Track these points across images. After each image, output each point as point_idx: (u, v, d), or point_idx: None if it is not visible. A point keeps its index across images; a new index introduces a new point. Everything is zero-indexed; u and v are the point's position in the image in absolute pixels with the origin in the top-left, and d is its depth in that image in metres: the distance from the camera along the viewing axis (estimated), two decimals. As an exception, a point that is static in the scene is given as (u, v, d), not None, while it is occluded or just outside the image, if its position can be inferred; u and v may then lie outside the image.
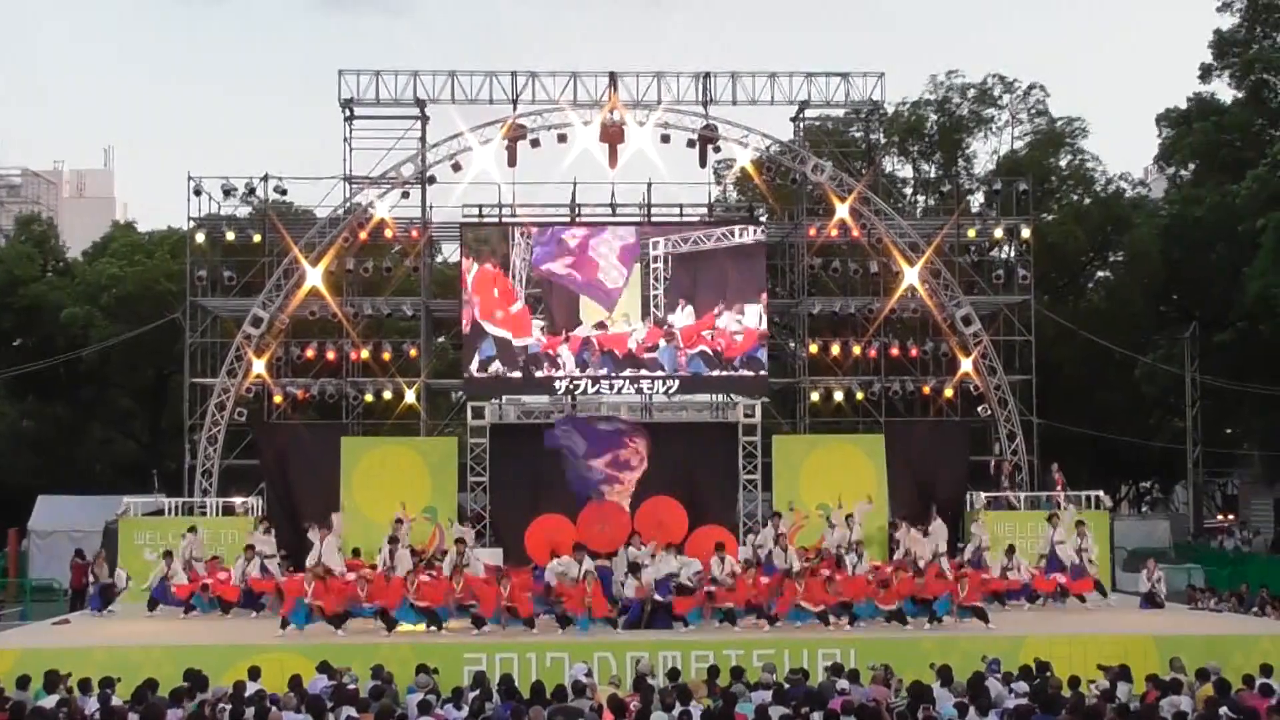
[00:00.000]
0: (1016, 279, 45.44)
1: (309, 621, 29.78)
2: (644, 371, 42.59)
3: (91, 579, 35.18)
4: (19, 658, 26.17)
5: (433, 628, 29.94)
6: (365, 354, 44.52)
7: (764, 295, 43.37)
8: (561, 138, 43.40)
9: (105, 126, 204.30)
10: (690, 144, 43.70)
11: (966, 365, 43.64)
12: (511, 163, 43.29)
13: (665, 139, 43.62)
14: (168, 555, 34.59)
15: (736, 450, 41.99)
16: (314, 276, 42.62)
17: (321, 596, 30.05)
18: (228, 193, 44.37)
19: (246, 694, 21.74)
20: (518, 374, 42.67)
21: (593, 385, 42.51)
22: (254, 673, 23.68)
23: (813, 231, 44.91)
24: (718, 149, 44.35)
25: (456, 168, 43.36)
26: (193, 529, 36.38)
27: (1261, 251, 48.91)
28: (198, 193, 44.25)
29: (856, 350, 45.12)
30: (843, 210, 43.61)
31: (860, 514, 36.90)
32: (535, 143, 43.34)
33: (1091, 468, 55.61)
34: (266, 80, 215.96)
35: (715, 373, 42.93)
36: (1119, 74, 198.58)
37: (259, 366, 42.60)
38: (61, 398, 59.37)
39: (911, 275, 43.37)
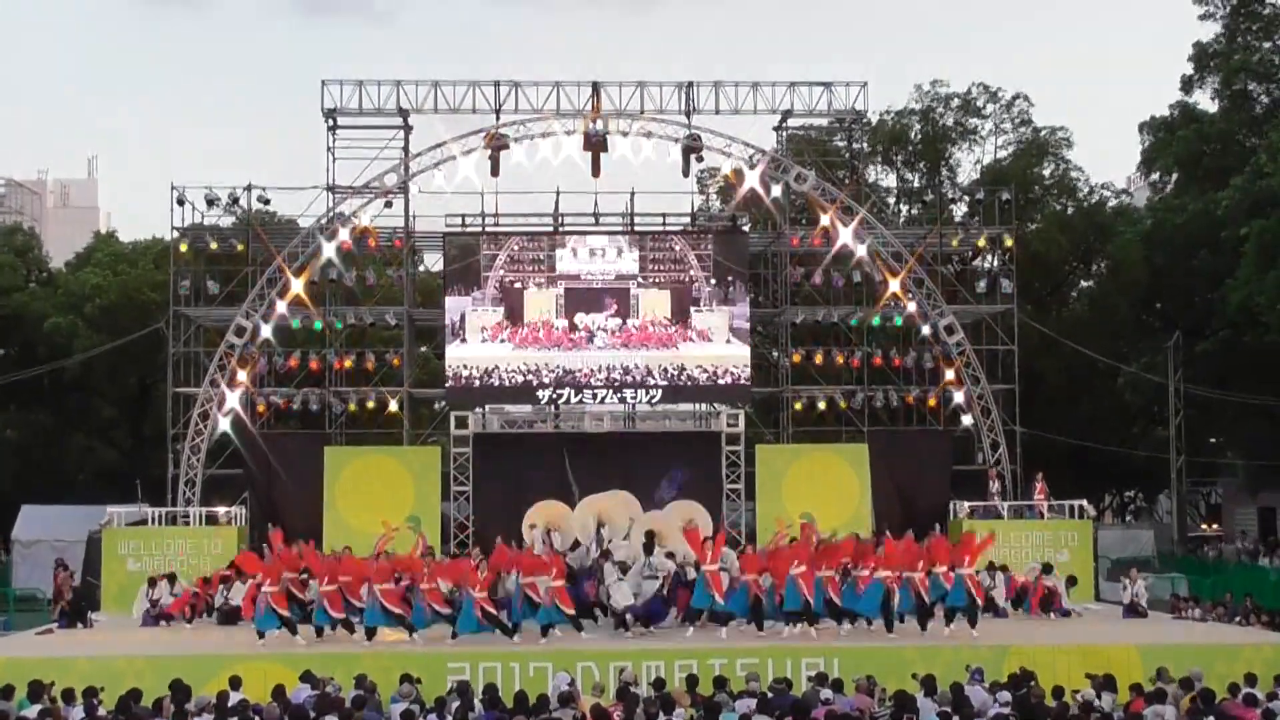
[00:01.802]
0: (999, 288, 45.50)
1: (279, 625, 29.60)
2: (629, 379, 42.65)
3: (64, 600, 35.12)
4: (2, 668, 26.04)
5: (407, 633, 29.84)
6: (349, 363, 44.51)
7: (747, 303, 43.49)
8: (545, 147, 43.37)
9: (89, 136, 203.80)
10: (680, 150, 43.63)
11: (950, 375, 43.70)
12: (494, 172, 43.30)
13: (648, 148, 43.65)
14: (152, 582, 34.37)
15: (719, 460, 42.01)
16: (297, 286, 42.60)
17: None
18: (211, 202, 44.35)
19: (230, 704, 21.72)
20: (500, 382, 42.75)
21: (575, 395, 42.54)
22: (235, 682, 23.65)
23: (795, 241, 44.95)
24: (700, 158, 44.39)
25: (439, 164, 43.33)
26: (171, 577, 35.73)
27: (1244, 260, 48.94)
28: (181, 202, 44.21)
29: (840, 359, 45.15)
30: (826, 220, 43.67)
31: None
32: (516, 149, 43.31)
33: (1075, 477, 55.58)
34: (250, 89, 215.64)
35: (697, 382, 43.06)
36: (1102, 85, 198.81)
37: (242, 376, 42.58)
38: (45, 407, 59.18)
39: (894, 284, 43.42)
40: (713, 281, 43.30)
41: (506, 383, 42.91)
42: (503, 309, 43.35)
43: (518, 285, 43.48)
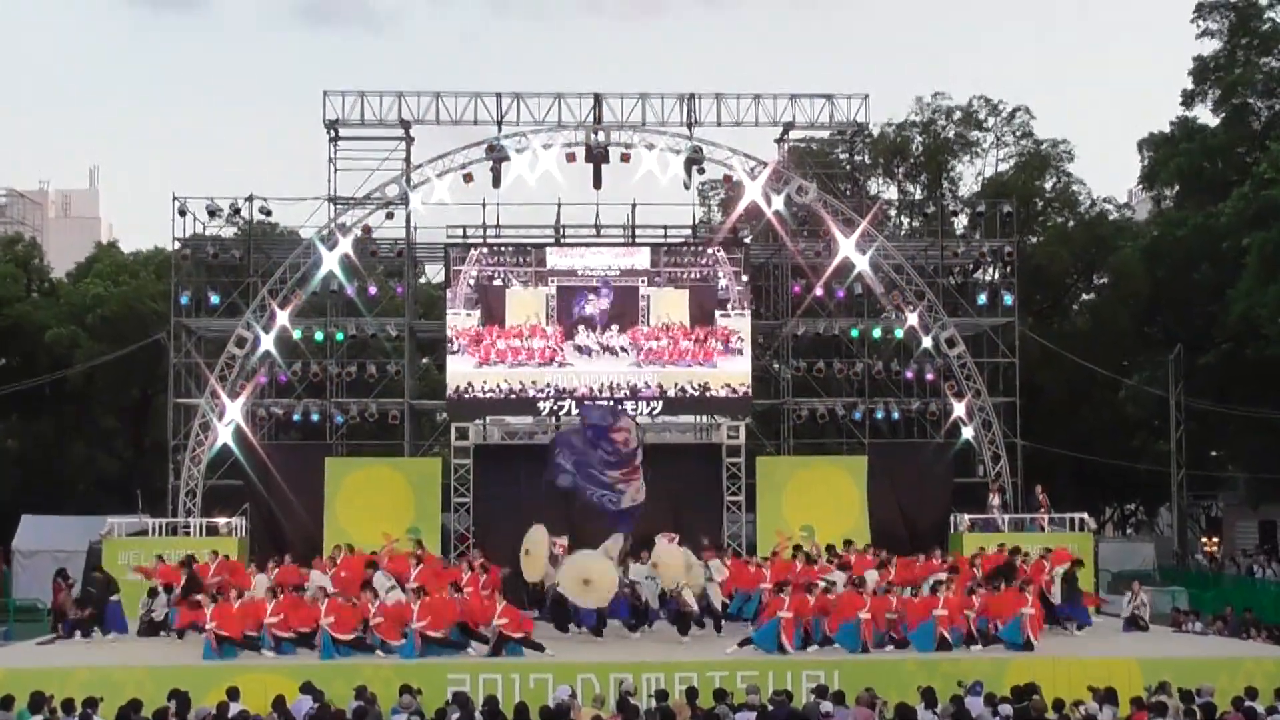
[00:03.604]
0: (1000, 301, 45.44)
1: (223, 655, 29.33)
2: (629, 392, 42.43)
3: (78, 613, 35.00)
4: (3, 678, 26.03)
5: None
6: (350, 373, 44.56)
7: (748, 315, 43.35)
8: (546, 159, 43.29)
9: (90, 146, 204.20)
10: (682, 162, 43.56)
11: (950, 387, 43.67)
12: (496, 184, 43.28)
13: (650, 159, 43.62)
14: (153, 593, 34.28)
15: (720, 471, 41.98)
16: (298, 296, 42.65)
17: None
18: (212, 213, 44.30)
19: (229, 715, 21.72)
20: (500, 394, 42.58)
21: (576, 407, 42.29)
22: (233, 693, 23.65)
23: (797, 253, 44.94)
24: (702, 170, 44.38)
25: (441, 175, 43.23)
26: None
27: (1246, 272, 49.00)
28: (182, 213, 44.16)
29: (840, 371, 45.14)
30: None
31: None
32: (518, 161, 43.23)
33: (1076, 490, 55.59)
34: (251, 98, 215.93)
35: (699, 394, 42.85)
36: (1103, 98, 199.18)
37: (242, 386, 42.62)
38: (45, 417, 59.28)
39: (895, 297, 43.45)
40: (745, 278, 43.05)
41: (480, 395, 42.65)
42: (479, 312, 42.60)
43: (498, 282, 42.65)
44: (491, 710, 22.35)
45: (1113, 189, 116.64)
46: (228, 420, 42.20)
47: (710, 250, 43.52)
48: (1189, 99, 57.02)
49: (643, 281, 42.81)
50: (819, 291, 44.70)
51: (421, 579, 32.24)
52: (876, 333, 45.06)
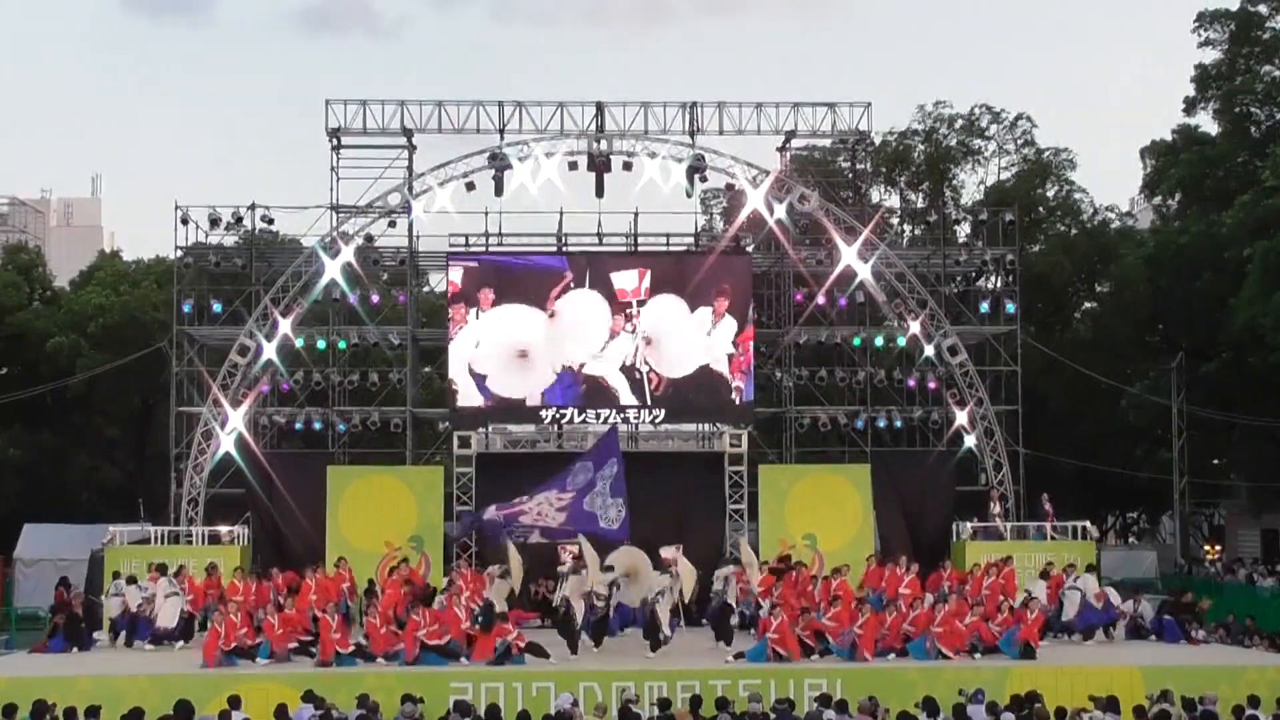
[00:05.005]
0: (1003, 309, 45.46)
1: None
2: (631, 400, 42.29)
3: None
4: (5, 687, 26.06)
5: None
6: (352, 382, 44.56)
7: (750, 324, 43.26)
8: (549, 167, 43.28)
9: (92, 155, 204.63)
10: (684, 170, 43.55)
11: (952, 395, 43.66)
12: (498, 192, 43.27)
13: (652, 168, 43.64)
14: (131, 580, 34.20)
15: (722, 480, 41.91)
16: (300, 305, 42.68)
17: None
18: (214, 222, 44.25)
19: (232, 723, 21.76)
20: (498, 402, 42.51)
21: (579, 415, 42.23)
22: (234, 701, 23.68)
23: (799, 261, 44.94)
24: (704, 179, 44.39)
25: (444, 184, 43.25)
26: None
27: (1248, 280, 49.05)
28: (184, 222, 44.16)
29: (842, 380, 45.14)
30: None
31: None
32: (520, 169, 43.23)
33: (1078, 498, 55.58)
34: (254, 107, 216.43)
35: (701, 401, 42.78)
36: (1105, 106, 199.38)
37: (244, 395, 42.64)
38: (47, 426, 59.29)
39: (897, 305, 43.48)
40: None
41: (482, 403, 42.50)
42: (464, 313, 42.25)
43: (485, 288, 42.12)
44: (494, 718, 22.36)
45: (1114, 197, 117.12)
46: (230, 429, 42.19)
47: (723, 254, 43.51)
48: (1190, 107, 57.18)
49: (651, 286, 42.23)
50: (821, 300, 44.67)
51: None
52: (879, 341, 45.11)
